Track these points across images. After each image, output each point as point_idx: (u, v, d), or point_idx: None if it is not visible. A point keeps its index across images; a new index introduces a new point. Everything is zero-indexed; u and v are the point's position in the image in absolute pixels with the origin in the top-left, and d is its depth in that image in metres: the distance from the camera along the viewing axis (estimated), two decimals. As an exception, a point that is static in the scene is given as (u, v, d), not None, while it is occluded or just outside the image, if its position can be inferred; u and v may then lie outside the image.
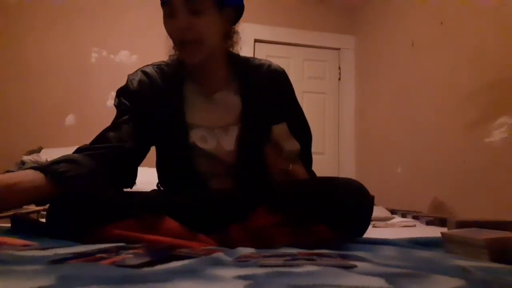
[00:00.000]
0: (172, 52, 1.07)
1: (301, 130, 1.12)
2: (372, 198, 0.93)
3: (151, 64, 1.11)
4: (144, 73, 1.08)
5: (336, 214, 0.87)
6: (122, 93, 1.09)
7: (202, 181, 1.05)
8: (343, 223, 0.87)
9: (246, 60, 1.12)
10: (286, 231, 0.87)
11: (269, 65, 1.12)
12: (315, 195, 0.90)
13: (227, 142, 1.06)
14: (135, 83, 1.07)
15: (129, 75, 1.10)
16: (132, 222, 0.86)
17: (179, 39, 0.95)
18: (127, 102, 1.06)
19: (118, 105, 1.08)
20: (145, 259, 0.59)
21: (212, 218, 0.93)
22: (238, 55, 1.12)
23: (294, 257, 0.62)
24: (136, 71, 1.10)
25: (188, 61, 0.99)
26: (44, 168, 0.86)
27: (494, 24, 1.99)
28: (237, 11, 1.04)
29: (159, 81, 1.06)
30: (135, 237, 0.83)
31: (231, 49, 1.09)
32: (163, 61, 1.12)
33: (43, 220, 0.94)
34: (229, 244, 0.86)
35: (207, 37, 0.95)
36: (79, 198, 0.87)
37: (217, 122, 1.07)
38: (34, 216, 1.59)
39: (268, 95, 1.08)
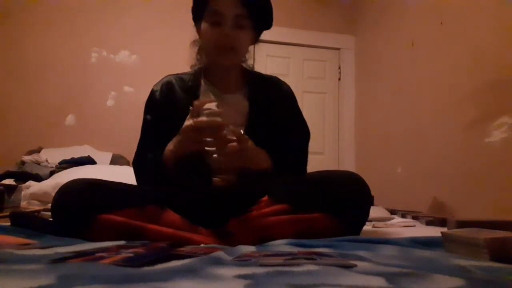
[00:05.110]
0: (194, 62, 1.20)
1: (299, 129, 1.22)
2: (372, 196, 0.96)
3: (173, 74, 1.21)
4: (165, 83, 1.18)
5: (336, 202, 0.92)
6: (148, 106, 1.19)
7: (208, 176, 1.08)
8: (342, 212, 0.91)
9: (257, 73, 1.25)
10: (285, 220, 0.91)
11: (276, 80, 1.26)
12: (315, 185, 0.96)
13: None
14: (157, 94, 1.16)
15: (153, 87, 1.20)
16: (135, 212, 0.91)
17: (223, 44, 1.07)
18: (153, 116, 1.16)
19: (145, 119, 1.17)
20: (146, 259, 0.59)
21: (213, 212, 0.98)
22: (250, 68, 1.24)
23: (294, 257, 0.62)
24: (159, 81, 1.20)
25: (222, 62, 1.11)
26: None
27: (494, 24, 1.99)
28: (259, 34, 1.19)
29: (177, 88, 1.16)
30: (137, 226, 0.88)
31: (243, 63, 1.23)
32: (185, 72, 1.22)
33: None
34: (229, 236, 0.89)
35: (242, 47, 1.12)
36: (85, 186, 0.93)
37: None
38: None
39: (273, 104, 1.19)
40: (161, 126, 1.12)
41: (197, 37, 1.18)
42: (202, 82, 1.18)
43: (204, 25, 1.09)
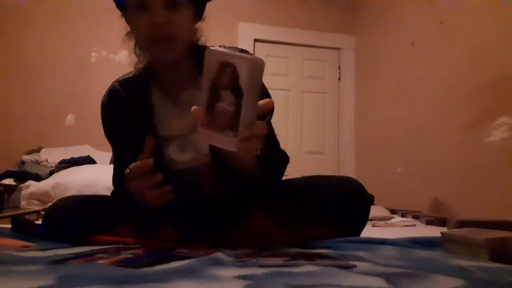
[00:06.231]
0: (136, 59, 0.99)
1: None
2: (371, 197, 0.93)
3: (117, 80, 1.03)
4: (111, 93, 1.01)
5: (333, 213, 0.88)
6: (102, 124, 1.04)
7: (192, 189, 0.97)
8: (341, 222, 0.89)
9: None
10: (283, 233, 0.88)
11: None
12: (310, 195, 0.91)
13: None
14: (106, 110, 1.02)
15: (102, 98, 1.04)
16: (129, 229, 0.87)
17: (155, 34, 0.86)
18: (109, 135, 1.04)
19: (107, 137, 1.05)
20: (145, 259, 0.59)
21: (207, 223, 0.93)
22: (203, 47, 0.98)
23: (293, 257, 0.62)
24: (105, 93, 1.03)
25: (162, 57, 0.92)
26: None
27: (494, 24, 1.98)
28: (203, 8, 0.98)
29: (124, 97, 0.99)
30: (132, 244, 0.83)
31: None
32: (130, 72, 1.04)
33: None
34: (226, 248, 0.86)
35: (183, 32, 0.89)
36: (77, 205, 0.89)
37: (190, 127, 0.94)
38: (34, 216, 1.59)
39: None
40: (121, 143, 1.00)
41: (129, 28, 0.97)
42: (152, 91, 0.99)
43: (130, 13, 0.89)
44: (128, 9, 0.89)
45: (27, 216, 1.50)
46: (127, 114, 0.97)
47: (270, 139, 0.91)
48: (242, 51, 0.90)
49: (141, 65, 0.99)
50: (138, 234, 0.87)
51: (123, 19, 0.97)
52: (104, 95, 1.02)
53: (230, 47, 0.74)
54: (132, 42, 0.96)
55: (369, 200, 0.95)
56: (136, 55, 0.97)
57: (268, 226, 0.90)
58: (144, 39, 0.89)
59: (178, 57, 0.92)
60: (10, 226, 0.95)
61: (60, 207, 0.90)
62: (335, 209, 0.89)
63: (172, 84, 0.98)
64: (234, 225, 0.92)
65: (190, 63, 0.97)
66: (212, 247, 0.86)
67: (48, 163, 2.56)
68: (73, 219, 0.86)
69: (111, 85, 1.02)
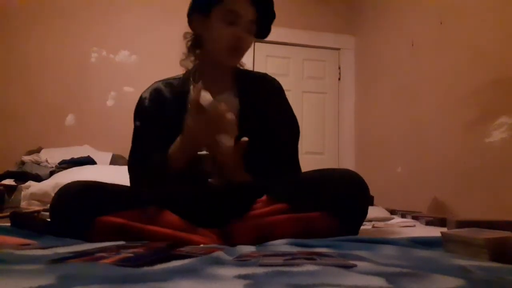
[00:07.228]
0: (184, 56, 1.18)
1: (289, 125, 1.21)
2: (371, 197, 0.96)
3: (161, 80, 1.20)
4: (154, 89, 1.17)
5: (334, 201, 0.93)
6: (138, 113, 1.17)
7: (204, 181, 1.06)
8: (341, 210, 0.92)
9: (247, 70, 1.26)
10: (285, 219, 0.93)
11: (266, 77, 1.26)
12: (313, 184, 0.97)
13: (228, 140, 1.08)
14: (146, 102, 1.15)
15: (142, 94, 1.18)
16: (134, 214, 0.92)
17: (237, 45, 1.08)
18: (144, 123, 1.15)
19: (136, 126, 1.16)
20: (146, 259, 0.59)
21: (212, 212, 0.99)
22: (240, 67, 1.24)
23: (294, 257, 0.62)
24: (147, 88, 1.18)
25: (230, 62, 1.13)
26: None
27: (494, 24, 1.99)
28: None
29: (167, 95, 1.15)
30: (136, 227, 0.88)
31: None
32: (174, 76, 1.21)
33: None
34: (229, 236, 0.89)
35: (248, 48, 1.13)
36: (83, 188, 0.93)
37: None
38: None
39: (263, 101, 1.18)
40: (152, 133, 1.11)
41: (188, 29, 1.16)
42: (191, 86, 1.15)
43: (216, 23, 1.08)
44: (213, 18, 1.08)
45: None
46: (166, 113, 1.12)
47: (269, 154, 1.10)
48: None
49: (187, 64, 1.18)
50: (142, 219, 0.91)
51: (190, 21, 1.14)
52: (145, 91, 1.17)
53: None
54: (187, 42, 1.16)
55: (368, 192, 1.00)
56: (187, 53, 1.17)
57: (272, 212, 0.95)
58: (223, 45, 1.08)
59: (236, 65, 1.17)
60: (10, 224, 0.95)
61: (66, 191, 0.94)
62: (335, 200, 0.93)
63: (210, 85, 1.11)
64: (238, 215, 0.98)
65: (231, 73, 1.19)
66: (213, 227, 0.93)
67: (48, 163, 2.56)
68: (80, 202, 0.90)
69: (155, 83, 1.19)
